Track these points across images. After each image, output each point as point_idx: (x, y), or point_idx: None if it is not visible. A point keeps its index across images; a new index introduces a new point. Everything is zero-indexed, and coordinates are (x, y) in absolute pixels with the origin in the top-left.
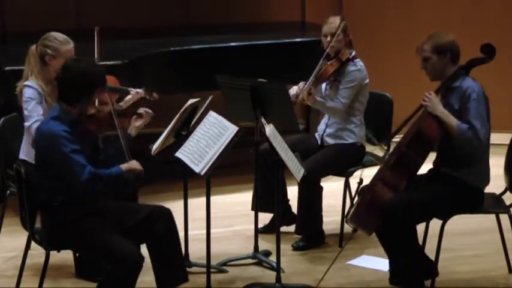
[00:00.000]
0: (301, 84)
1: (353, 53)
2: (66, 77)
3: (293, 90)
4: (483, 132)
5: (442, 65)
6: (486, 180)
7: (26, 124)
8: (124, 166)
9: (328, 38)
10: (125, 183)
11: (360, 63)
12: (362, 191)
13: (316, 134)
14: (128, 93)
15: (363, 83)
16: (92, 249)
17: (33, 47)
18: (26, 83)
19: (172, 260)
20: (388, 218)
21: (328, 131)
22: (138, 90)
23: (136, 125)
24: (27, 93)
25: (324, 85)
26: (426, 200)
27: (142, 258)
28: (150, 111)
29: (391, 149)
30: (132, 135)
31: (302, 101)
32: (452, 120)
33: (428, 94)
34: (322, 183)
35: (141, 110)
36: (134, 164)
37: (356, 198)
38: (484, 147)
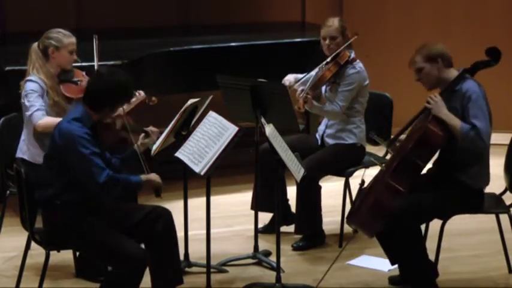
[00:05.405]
0: (299, 88)
1: (352, 55)
2: (97, 84)
3: (285, 82)
4: (485, 132)
5: (436, 72)
6: (487, 180)
7: (27, 113)
8: (144, 176)
9: (327, 41)
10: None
11: (359, 64)
12: (362, 193)
13: (317, 134)
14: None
15: (362, 84)
16: (94, 249)
17: (35, 44)
18: (28, 77)
19: (168, 262)
20: (392, 221)
21: (328, 131)
22: (140, 91)
23: (144, 141)
24: (29, 86)
25: (324, 87)
26: (428, 203)
27: (146, 257)
28: (156, 129)
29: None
30: (140, 151)
31: (298, 110)
32: (456, 122)
33: (434, 96)
34: (322, 183)
35: (148, 129)
36: (154, 176)
37: (356, 200)
38: (487, 147)
